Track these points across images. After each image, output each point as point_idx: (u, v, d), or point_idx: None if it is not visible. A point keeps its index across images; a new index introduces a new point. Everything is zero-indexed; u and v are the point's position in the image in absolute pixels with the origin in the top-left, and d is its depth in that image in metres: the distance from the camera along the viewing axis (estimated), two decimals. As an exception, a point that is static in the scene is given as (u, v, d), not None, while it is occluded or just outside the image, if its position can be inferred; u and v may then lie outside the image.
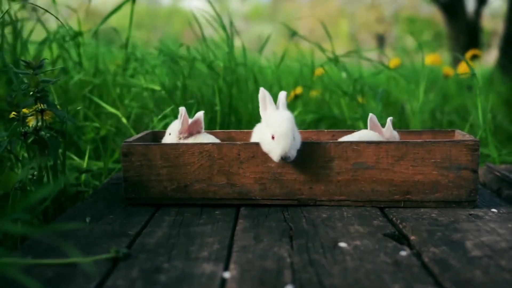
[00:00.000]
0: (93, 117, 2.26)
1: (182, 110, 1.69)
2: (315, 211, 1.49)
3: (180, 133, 1.70)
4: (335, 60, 2.70)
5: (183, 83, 2.53)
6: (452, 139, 1.73)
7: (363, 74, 3.49)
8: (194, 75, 2.67)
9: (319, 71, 3.10)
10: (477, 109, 2.14)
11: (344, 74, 2.74)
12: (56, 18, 1.89)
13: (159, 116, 2.24)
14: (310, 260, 1.11)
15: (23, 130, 1.53)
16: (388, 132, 1.68)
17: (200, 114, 1.74)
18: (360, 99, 2.73)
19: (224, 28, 2.56)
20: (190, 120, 1.70)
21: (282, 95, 1.62)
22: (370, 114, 1.73)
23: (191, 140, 1.69)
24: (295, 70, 3.69)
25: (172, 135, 1.73)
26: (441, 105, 3.53)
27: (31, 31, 2.41)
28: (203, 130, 1.75)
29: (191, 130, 1.71)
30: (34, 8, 2.58)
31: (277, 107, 1.59)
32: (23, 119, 1.55)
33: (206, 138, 1.71)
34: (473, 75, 2.05)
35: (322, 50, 2.70)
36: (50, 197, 1.48)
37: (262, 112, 1.60)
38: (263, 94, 1.57)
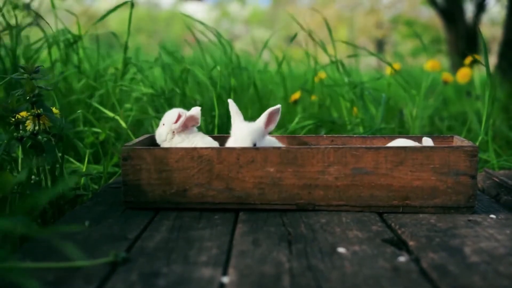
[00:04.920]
0: (93, 121, 2.26)
1: (183, 112, 1.70)
2: (314, 216, 1.50)
3: (175, 129, 1.71)
4: (336, 63, 2.70)
5: (182, 88, 2.53)
6: (451, 144, 1.74)
7: (363, 78, 3.50)
8: (193, 80, 2.68)
9: (320, 75, 3.11)
10: (476, 114, 2.14)
11: (346, 79, 2.74)
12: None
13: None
14: (309, 265, 1.12)
15: (19, 135, 1.53)
16: None
17: (196, 110, 1.74)
18: (355, 109, 2.74)
19: (219, 37, 2.57)
20: (187, 113, 1.71)
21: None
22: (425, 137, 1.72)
23: (185, 139, 1.70)
24: (295, 74, 3.70)
25: (166, 126, 1.73)
26: (440, 110, 3.53)
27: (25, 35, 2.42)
28: (198, 123, 1.75)
29: (187, 124, 1.72)
30: (37, 14, 2.59)
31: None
32: (19, 123, 1.56)
33: (202, 140, 1.71)
34: None
35: (326, 51, 2.71)
36: (48, 200, 1.48)
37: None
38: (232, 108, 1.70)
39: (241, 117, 1.70)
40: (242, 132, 1.63)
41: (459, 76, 3.57)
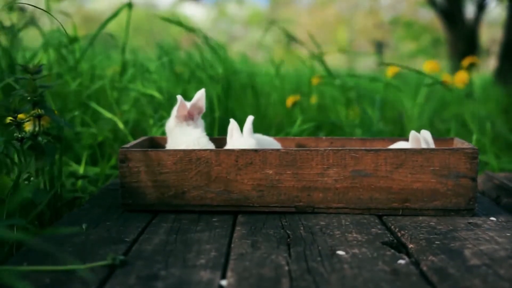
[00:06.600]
0: (90, 122, 2.25)
1: (179, 97, 1.70)
2: (313, 218, 1.49)
3: (178, 117, 1.71)
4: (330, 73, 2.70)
5: (183, 89, 2.52)
6: (451, 147, 1.73)
7: (360, 81, 3.50)
8: (193, 80, 2.67)
9: (317, 79, 3.10)
10: (476, 117, 2.14)
11: (339, 82, 2.74)
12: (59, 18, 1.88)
13: (159, 124, 2.24)
14: (308, 268, 1.11)
15: (19, 136, 1.52)
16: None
17: (197, 96, 1.73)
18: (352, 111, 2.74)
19: (213, 48, 2.57)
20: (189, 104, 1.70)
21: (249, 120, 1.71)
22: (423, 131, 1.68)
23: (185, 133, 1.69)
24: (294, 77, 3.69)
25: (171, 117, 1.74)
26: (440, 112, 3.53)
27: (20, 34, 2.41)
28: (203, 110, 1.74)
29: (192, 113, 1.71)
30: (31, 16, 2.58)
31: (243, 134, 1.68)
32: (19, 124, 1.54)
33: (196, 141, 1.69)
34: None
35: (322, 60, 2.70)
36: (45, 201, 1.47)
37: (228, 140, 1.70)
38: (232, 126, 1.69)
39: (239, 132, 1.69)
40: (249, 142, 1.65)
41: (456, 81, 3.56)
